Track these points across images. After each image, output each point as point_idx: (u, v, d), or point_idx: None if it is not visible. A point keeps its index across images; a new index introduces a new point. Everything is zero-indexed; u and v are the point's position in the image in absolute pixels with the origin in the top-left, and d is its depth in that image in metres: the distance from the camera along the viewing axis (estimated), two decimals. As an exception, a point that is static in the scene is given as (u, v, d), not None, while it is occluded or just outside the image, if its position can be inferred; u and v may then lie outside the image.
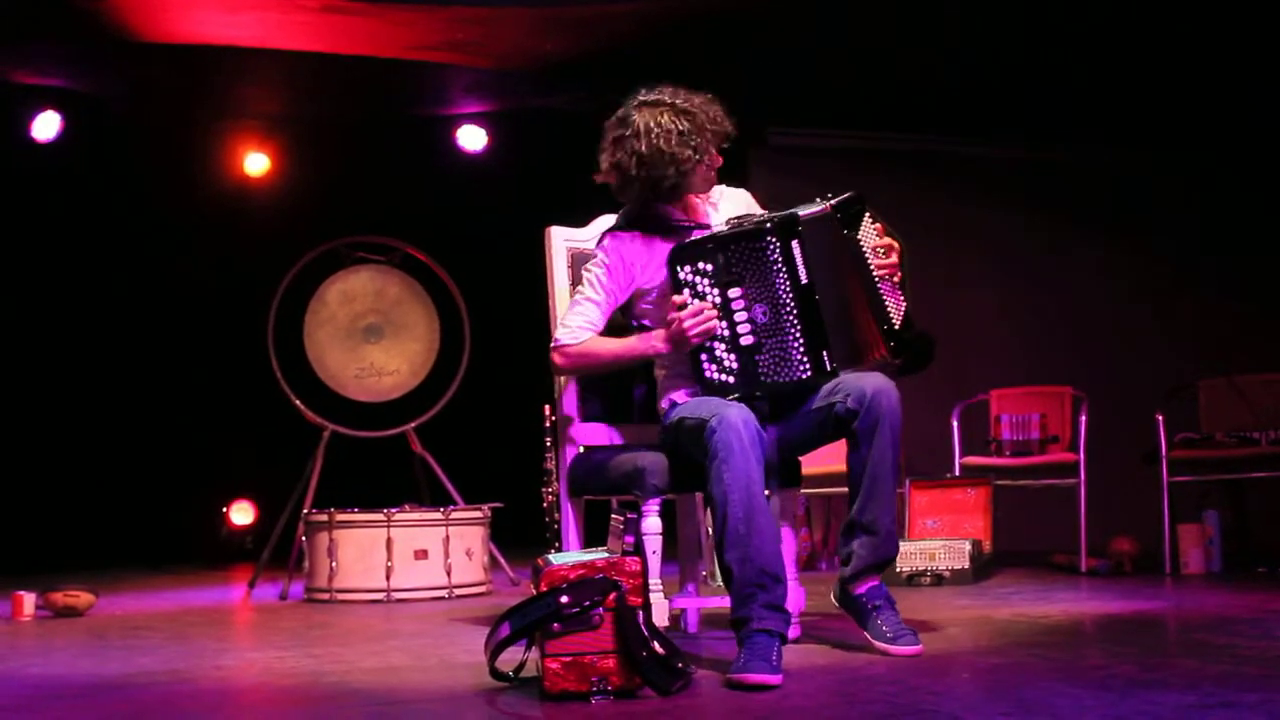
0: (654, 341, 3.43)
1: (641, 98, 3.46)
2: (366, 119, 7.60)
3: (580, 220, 3.90)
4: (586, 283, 3.54)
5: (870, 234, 3.39)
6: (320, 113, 7.53)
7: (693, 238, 3.46)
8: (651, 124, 3.38)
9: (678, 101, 3.41)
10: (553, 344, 3.55)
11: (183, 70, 6.64)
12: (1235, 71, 6.48)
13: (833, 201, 3.35)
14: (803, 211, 3.34)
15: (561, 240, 3.84)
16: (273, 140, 7.66)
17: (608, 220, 3.88)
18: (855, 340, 3.39)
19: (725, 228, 3.43)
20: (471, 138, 7.62)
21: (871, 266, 3.36)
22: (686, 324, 3.31)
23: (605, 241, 3.55)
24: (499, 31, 6.23)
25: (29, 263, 7.58)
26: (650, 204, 3.53)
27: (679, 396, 3.51)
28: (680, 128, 3.37)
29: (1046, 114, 7.04)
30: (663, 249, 3.46)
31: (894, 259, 3.38)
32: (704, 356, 3.37)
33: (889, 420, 3.26)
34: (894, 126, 7.23)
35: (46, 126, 6.97)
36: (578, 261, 3.81)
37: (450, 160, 7.68)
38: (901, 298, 3.42)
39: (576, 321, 3.51)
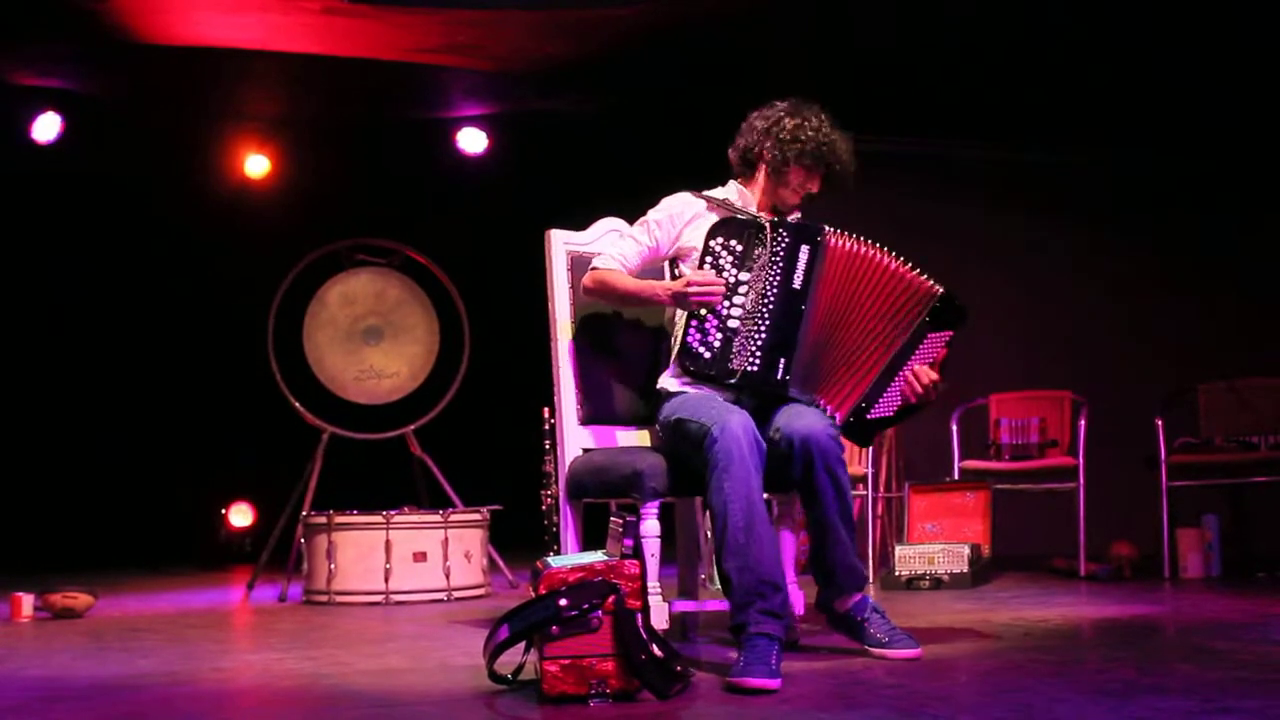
0: (659, 289, 3.50)
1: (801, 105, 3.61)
2: (367, 121, 7.61)
3: (581, 223, 3.91)
4: (639, 223, 3.66)
5: (935, 346, 3.42)
6: (321, 115, 7.54)
7: (739, 217, 3.51)
8: (810, 118, 3.54)
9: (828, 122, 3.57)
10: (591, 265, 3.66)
11: (183, 72, 6.65)
12: (1235, 72, 6.48)
13: (943, 291, 3.39)
14: (922, 278, 3.38)
15: (562, 243, 3.84)
16: (273, 142, 7.66)
17: (610, 223, 3.90)
18: (823, 374, 3.42)
19: (769, 217, 3.49)
20: (472, 140, 7.63)
21: (911, 365, 3.39)
22: (693, 287, 3.35)
23: (679, 195, 3.64)
24: (499, 34, 6.24)
25: (29, 264, 7.58)
26: (769, 188, 3.58)
27: (669, 384, 3.52)
28: (827, 131, 3.53)
29: (1046, 115, 7.04)
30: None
31: (930, 383, 3.40)
32: (694, 324, 3.41)
33: (820, 464, 3.27)
34: (893, 130, 7.23)
35: (47, 128, 6.98)
36: (578, 264, 3.81)
37: (450, 163, 7.69)
38: (894, 406, 3.43)
39: (614, 251, 3.62)
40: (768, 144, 3.53)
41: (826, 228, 3.42)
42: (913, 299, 3.40)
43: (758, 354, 3.36)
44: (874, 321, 3.41)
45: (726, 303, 3.38)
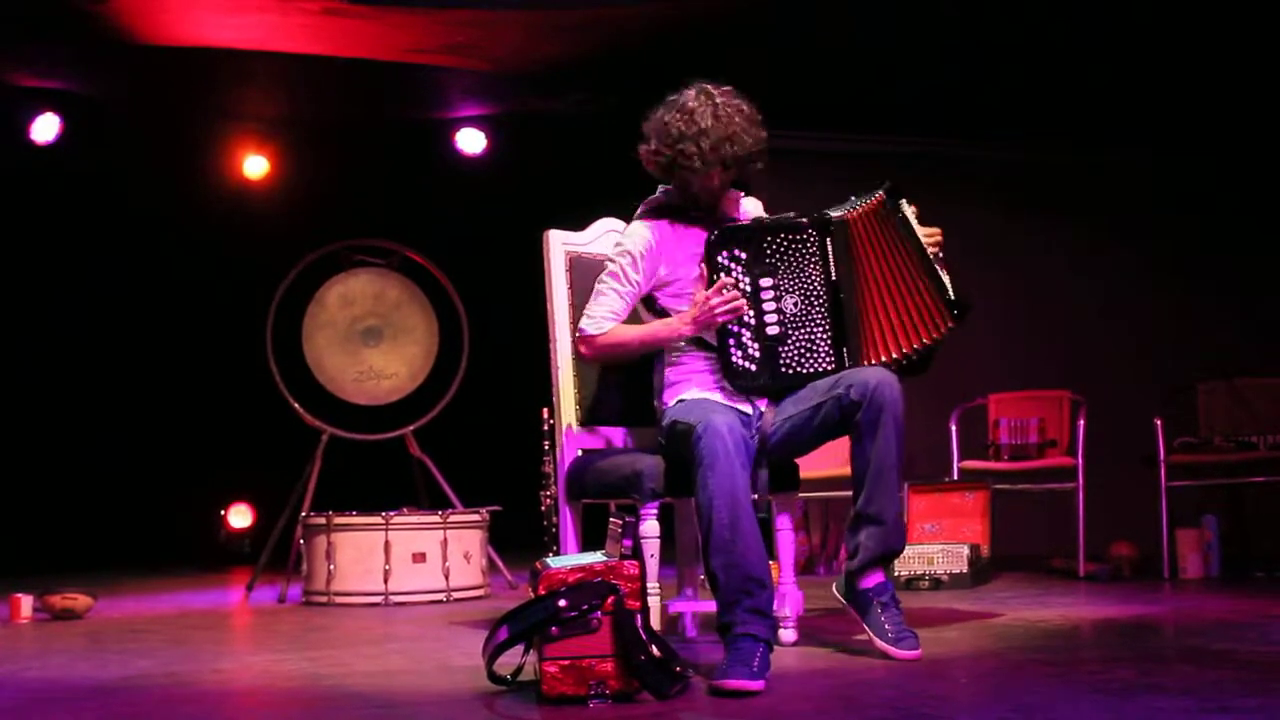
0: (678, 326, 3.48)
1: (704, 84, 3.50)
2: (366, 122, 7.60)
3: (579, 224, 3.91)
4: (610, 273, 3.57)
5: (911, 214, 3.51)
6: (319, 116, 7.54)
7: (730, 225, 3.52)
8: (716, 102, 3.43)
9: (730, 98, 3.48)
10: (578, 334, 3.60)
11: (182, 73, 6.64)
12: (1235, 71, 6.48)
13: (885, 188, 3.48)
14: (836, 212, 3.45)
15: (560, 244, 3.84)
16: (272, 143, 7.66)
17: (608, 223, 3.90)
18: (863, 340, 3.46)
19: (765, 218, 3.52)
20: (470, 141, 7.62)
21: (923, 241, 3.48)
22: (714, 302, 3.36)
23: (633, 230, 3.58)
24: (498, 34, 6.24)
25: (28, 265, 7.58)
26: (682, 192, 3.54)
27: (676, 393, 3.52)
28: (744, 110, 3.46)
29: (1045, 114, 7.04)
30: (689, 240, 3.52)
31: (939, 237, 3.53)
32: (731, 342, 3.42)
33: (891, 411, 3.29)
34: (891, 129, 7.23)
35: (46, 129, 6.97)
36: (576, 265, 3.81)
37: (449, 163, 7.68)
38: (947, 271, 3.51)
39: (600, 311, 3.55)
40: (669, 152, 3.45)
41: (831, 213, 3.46)
42: (882, 212, 3.49)
43: (830, 354, 3.41)
44: (900, 269, 3.47)
45: (752, 311, 3.40)
